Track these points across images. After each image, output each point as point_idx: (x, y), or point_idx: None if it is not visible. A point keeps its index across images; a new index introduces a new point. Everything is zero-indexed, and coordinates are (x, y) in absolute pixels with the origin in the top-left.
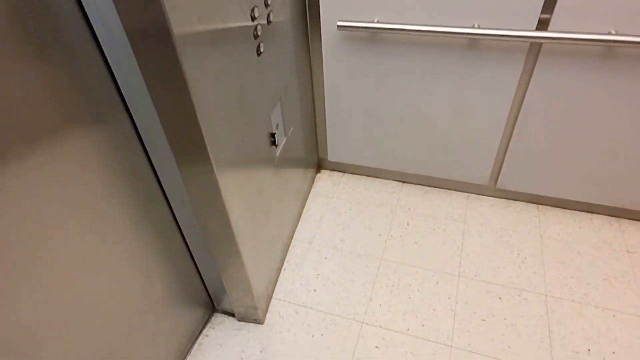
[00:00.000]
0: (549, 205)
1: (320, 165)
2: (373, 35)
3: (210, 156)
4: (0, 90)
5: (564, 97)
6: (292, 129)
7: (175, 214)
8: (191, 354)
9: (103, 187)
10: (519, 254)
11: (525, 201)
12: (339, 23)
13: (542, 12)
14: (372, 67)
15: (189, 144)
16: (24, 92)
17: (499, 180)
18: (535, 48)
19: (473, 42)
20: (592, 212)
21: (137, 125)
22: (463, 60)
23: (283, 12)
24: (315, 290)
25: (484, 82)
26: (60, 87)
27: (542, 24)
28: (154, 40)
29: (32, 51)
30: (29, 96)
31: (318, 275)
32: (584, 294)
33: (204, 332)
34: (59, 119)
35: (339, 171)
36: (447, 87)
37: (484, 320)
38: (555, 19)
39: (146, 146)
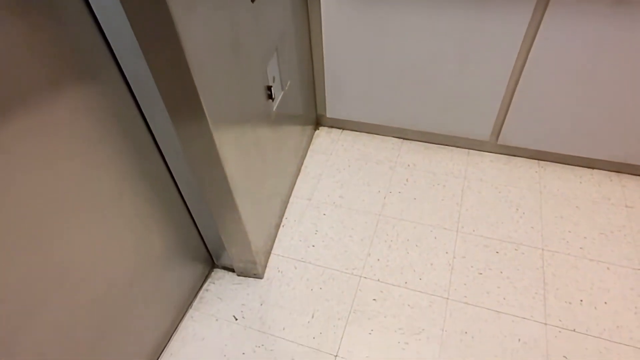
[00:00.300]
0: (550, 161)
1: (318, 121)
2: None
3: (204, 106)
4: None
5: (572, 48)
6: (289, 82)
7: (170, 168)
8: (193, 307)
9: (96, 141)
10: (517, 209)
11: (526, 157)
12: None
13: None
14: (373, 17)
15: (182, 94)
16: (12, 48)
17: (500, 136)
18: None
19: None
20: (593, 168)
21: (128, 77)
22: (469, 8)
23: None
24: (313, 246)
25: (490, 32)
26: (48, 41)
27: None
28: None
29: (18, 4)
30: (18, 52)
31: (317, 231)
32: (580, 248)
33: (205, 286)
34: (49, 74)
35: (338, 128)
36: (451, 38)
37: (481, 273)
38: None
39: (138, 99)
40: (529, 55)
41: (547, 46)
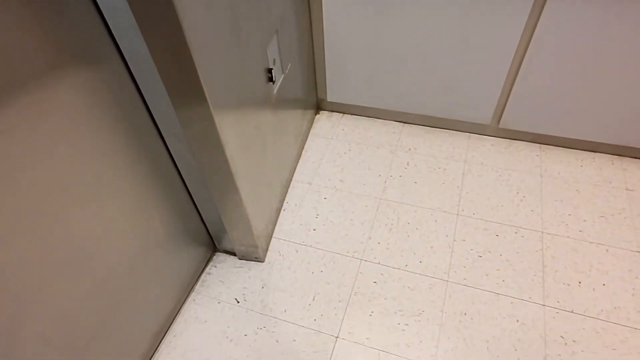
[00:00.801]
0: (552, 145)
1: (319, 105)
2: None
3: (204, 88)
4: None
5: (575, 31)
6: (289, 65)
7: (171, 151)
8: (195, 290)
9: (96, 124)
10: (517, 193)
11: (527, 141)
12: None
13: None
14: (372, 2)
15: (182, 76)
16: (10, 31)
17: (502, 120)
18: None
19: None
20: (594, 151)
21: (127, 60)
22: None
23: None
24: (314, 230)
25: (492, 15)
26: (46, 25)
27: None
28: None
29: None
30: (16, 35)
31: (317, 215)
32: (580, 231)
33: (206, 270)
34: (47, 57)
35: (339, 112)
36: (453, 20)
37: (480, 256)
38: None
39: (137, 82)
40: (532, 39)
41: (550, 29)
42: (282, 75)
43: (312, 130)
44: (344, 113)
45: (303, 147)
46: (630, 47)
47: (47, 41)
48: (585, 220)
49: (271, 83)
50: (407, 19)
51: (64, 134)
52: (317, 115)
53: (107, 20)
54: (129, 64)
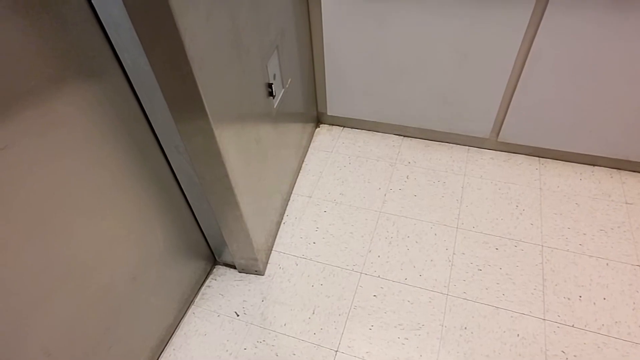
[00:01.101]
0: (551, 158)
1: (319, 119)
2: None
3: (205, 102)
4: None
5: (575, 43)
6: (290, 80)
7: (172, 165)
8: (195, 303)
9: (98, 137)
10: (517, 206)
11: (526, 154)
12: None
13: None
14: (372, 13)
15: (183, 90)
16: (14, 45)
17: (500, 133)
18: None
19: None
20: (594, 165)
21: (129, 74)
22: (468, 6)
23: None
24: (314, 243)
25: (490, 29)
26: (50, 38)
27: None
28: None
29: (19, 2)
30: (19, 49)
31: (317, 228)
32: (579, 244)
33: (207, 282)
34: (50, 71)
35: (339, 125)
36: (451, 33)
37: (480, 270)
38: None
39: (139, 95)
40: (530, 52)
41: (551, 38)
42: (283, 90)
43: (312, 144)
44: (344, 126)
45: (303, 161)
46: (628, 60)
47: (51, 56)
48: (584, 234)
49: (271, 98)
50: (405, 33)
51: (66, 147)
52: (318, 129)
53: (110, 36)
54: (130, 78)
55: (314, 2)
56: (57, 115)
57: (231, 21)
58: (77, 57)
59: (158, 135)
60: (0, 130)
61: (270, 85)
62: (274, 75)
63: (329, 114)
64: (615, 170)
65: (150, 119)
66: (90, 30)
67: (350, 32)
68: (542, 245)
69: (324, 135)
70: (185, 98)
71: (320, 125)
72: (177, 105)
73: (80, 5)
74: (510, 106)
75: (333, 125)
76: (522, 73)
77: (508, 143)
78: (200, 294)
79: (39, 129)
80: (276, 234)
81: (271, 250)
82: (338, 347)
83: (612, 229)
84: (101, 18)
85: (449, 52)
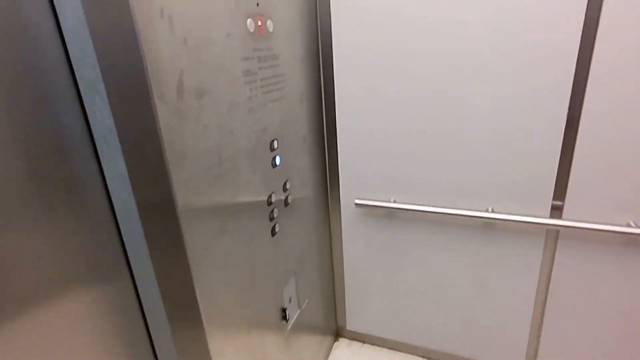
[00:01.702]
0: None
1: (338, 332)
2: (391, 213)
3: (207, 339)
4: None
5: (588, 281)
6: (306, 301)
7: None
8: None
9: (96, 346)
10: None
11: None
12: (357, 201)
13: (554, 199)
14: (390, 241)
15: (187, 319)
16: (34, 251)
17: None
18: (553, 233)
19: (488, 224)
20: None
21: (139, 291)
22: (481, 239)
23: (303, 192)
24: None
25: (504, 261)
26: (69, 242)
27: (557, 210)
28: (159, 213)
29: (47, 211)
30: (38, 253)
31: None
32: None
33: None
34: (64, 270)
35: (359, 341)
36: (466, 264)
37: None
38: (568, 206)
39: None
40: (551, 282)
41: (566, 275)
42: (298, 311)
43: (329, 359)
44: (364, 342)
45: None
46: None
47: (65, 258)
48: None
49: (284, 321)
50: (422, 260)
51: (64, 350)
52: (336, 343)
53: (126, 244)
54: (137, 284)
55: (335, 231)
56: (58, 324)
57: (249, 262)
58: (91, 261)
59: (156, 348)
60: None
61: (284, 310)
62: (290, 299)
63: (348, 328)
64: None
65: (150, 331)
66: (106, 235)
67: (369, 257)
68: None
69: (343, 350)
70: (190, 330)
71: (339, 339)
72: (178, 329)
73: (103, 213)
74: (542, 335)
75: (353, 340)
76: (546, 303)
77: None
78: None
79: (37, 332)
80: None
81: None
82: None
83: None
84: (122, 231)
85: (465, 281)
